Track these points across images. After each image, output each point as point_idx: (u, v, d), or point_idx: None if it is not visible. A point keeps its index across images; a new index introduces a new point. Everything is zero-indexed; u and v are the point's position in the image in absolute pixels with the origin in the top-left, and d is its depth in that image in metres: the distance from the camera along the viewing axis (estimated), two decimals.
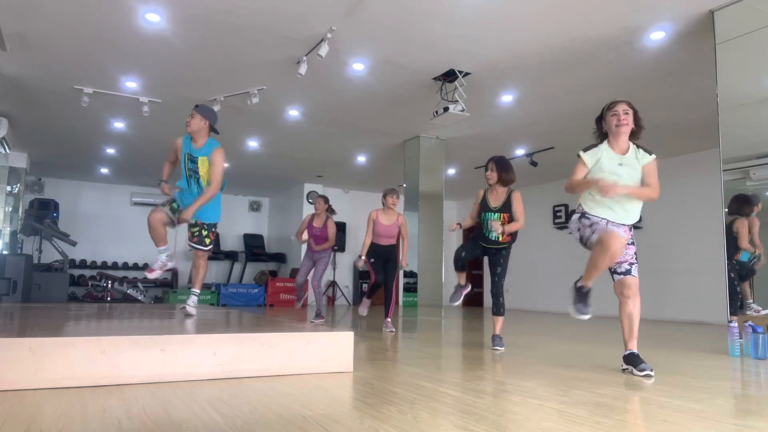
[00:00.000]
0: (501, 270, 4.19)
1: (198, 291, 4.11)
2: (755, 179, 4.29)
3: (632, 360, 3.04)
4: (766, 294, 4.29)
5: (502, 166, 4.18)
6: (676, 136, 7.97)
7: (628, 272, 3.15)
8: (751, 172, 4.28)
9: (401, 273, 12.19)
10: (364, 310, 5.71)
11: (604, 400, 2.27)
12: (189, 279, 12.01)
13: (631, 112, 3.15)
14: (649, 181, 3.14)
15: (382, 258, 5.58)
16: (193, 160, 3.83)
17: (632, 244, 3.20)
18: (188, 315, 3.92)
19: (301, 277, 6.66)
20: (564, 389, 2.52)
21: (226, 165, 4.01)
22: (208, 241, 3.99)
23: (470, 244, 4.27)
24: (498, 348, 4.08)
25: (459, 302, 4.36)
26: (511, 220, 4.15)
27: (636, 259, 3.18)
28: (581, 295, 3.37)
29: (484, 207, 4.23)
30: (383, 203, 5.55)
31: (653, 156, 3.15)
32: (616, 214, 3.15)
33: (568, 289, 3.47)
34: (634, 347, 3.11)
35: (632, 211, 3.17)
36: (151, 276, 4.00)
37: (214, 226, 4.05)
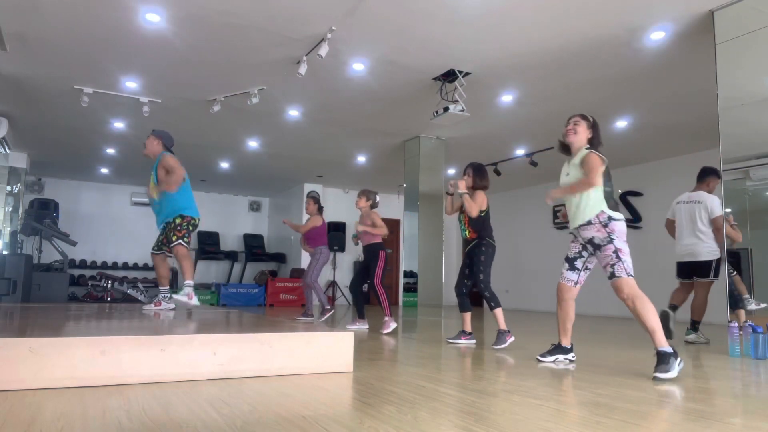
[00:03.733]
0: (476, 267, 4.34)
1: (189, 281, 4.24)
2: (755, 179, 4.29)
3: (658, 359, 2.95)
4: (766, 292, 4.29)
5: (477, 172, 4.47)
6: (676, 136, 7.98)
7: (612, 275, 3.08)
8: (751, 172, 4.28)
9: (401, 273, 12.20)
10: (353, 324, 5.72)
11: (604, 400, 2.27)
12: None
13: (582, 123, 3.30)
14: (585, 172, 3.17)
15: (366, 259, 5.55)
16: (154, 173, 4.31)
17: (610, 242, 3.10)
18: (186, 306, 4.05)
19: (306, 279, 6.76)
20: (564, 389, 2.52)
21: (181, 168, 4.26)
22: (174, 238, 4.20)
23: (460, 270, 4.50)
24: (500, 345, 4.08)
25: (455, 343, 4.47)
26: (469, 219, 4.41)
27: (618, 256, 3.06)
28: (555, 349, 3.50)
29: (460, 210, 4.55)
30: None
31: (588, 150, 3.22)
32: (573, 219, 3.25)
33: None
34: (657, 344, 2.97)
35: (580, 211, 3.19)
36: (155, 308, 4.28)
37: (174, 222, 4.23)
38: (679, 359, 2.94)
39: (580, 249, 3.31)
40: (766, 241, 4.33)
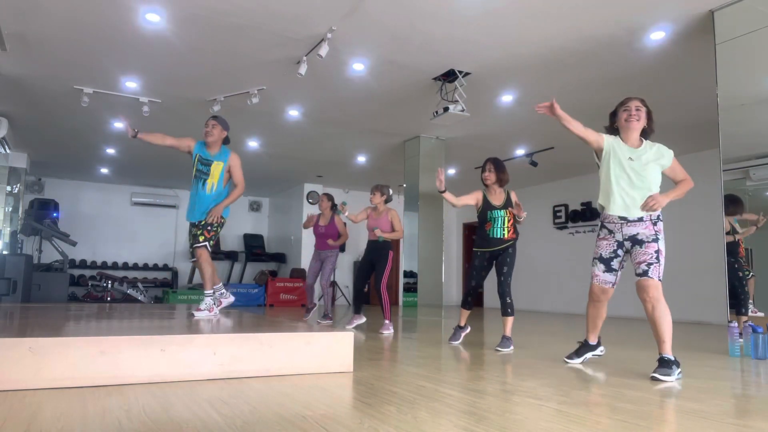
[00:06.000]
0: (507, 269, 4.24)
1: (209, 291, 4.11)
2: (755, 179, 4.29)
3: (659, 363, 2.94)
4: (765, 295, 4.29)
5: (499, 166, 4.38)
6: (676, 136, 7.97)
7: (644, 273, 2.98)
8: (751, 172, 4.28)
9: (401, 273, 12.20)
10: (351, 323, 5.71)
11: (604, 400, 2.27)
12: (189, 279, 12.00)
13: (643, 109, 3.15)
14: (681, 175, 3.16)
15: (370, 256, 5.50)
16: (206, 164, 4.08)
17: (655, 240, 3.01)
18: (200, 318, 3.87)
19: (310, 279, 6.59)
20: (564, 389, 2.52)
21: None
22: (201, 238, 4.06)
23: (475, 270, 4.35)
24: (503, 349, 4.08)
25: (458, 343, 4.44)
26: (515, 218, 4.34)
27: (658, 258, 2.99)
28: (582, 347, 3.45)
29: (487, 206, 4.35)
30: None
31: (671, 152, 3.15)
32: (627, 210, 3.08)
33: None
34: (662, 351, 2.97)
35: (640, 200, 3.06)
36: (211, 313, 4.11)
37: (210, 225, 4.10)
38: (680, 370, 2.94)
39: (615, 247, 3.15)
40: (767, 241, 4.33)
